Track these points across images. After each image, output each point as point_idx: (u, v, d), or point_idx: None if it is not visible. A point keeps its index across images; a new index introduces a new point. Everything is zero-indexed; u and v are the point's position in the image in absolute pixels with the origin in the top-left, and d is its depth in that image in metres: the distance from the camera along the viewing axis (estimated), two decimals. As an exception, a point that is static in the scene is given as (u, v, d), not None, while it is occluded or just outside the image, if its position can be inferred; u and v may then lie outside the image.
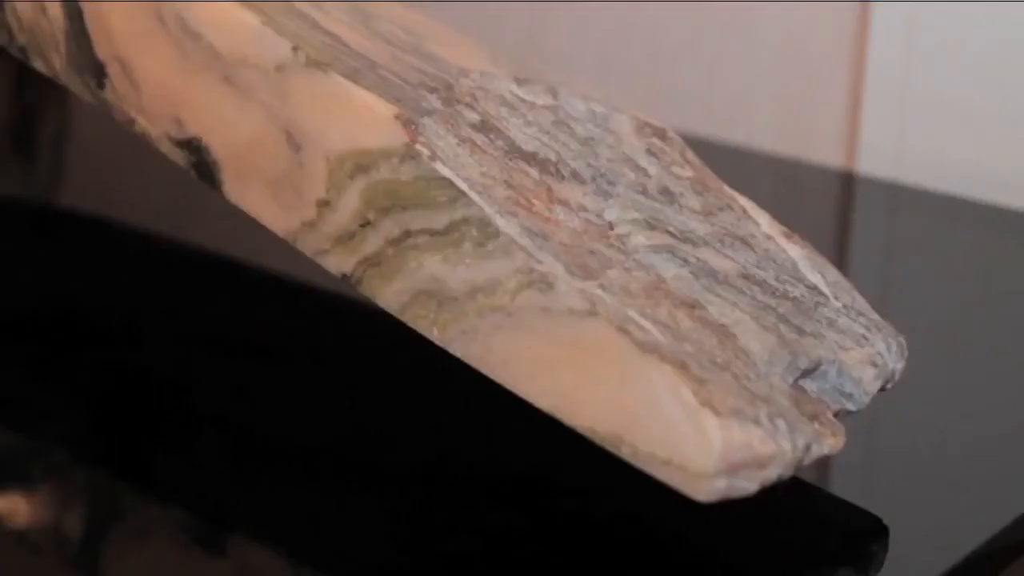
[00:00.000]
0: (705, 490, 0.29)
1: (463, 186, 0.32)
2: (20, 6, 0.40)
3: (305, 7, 0.37)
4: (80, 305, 0.42)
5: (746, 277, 0.34)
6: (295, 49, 0.34)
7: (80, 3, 0.38)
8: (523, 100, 0.36)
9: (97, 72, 0.38)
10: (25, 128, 0.56)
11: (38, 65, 0.40)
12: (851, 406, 0.33)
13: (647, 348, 0.30)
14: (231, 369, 0.39)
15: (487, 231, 0.32)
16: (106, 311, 0.42)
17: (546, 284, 0.31)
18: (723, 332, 0.32)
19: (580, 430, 0.30)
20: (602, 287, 0.31)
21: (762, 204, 0.37)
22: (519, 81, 0.36)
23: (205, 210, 0.47)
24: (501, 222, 0.32)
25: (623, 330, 0.30)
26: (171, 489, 0.35)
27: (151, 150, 0.38)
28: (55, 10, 0.39)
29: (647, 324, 0.30)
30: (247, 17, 0.35)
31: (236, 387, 0.38)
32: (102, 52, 0.38)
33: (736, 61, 0.62)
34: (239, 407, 0.38)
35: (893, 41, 0.58)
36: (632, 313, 0.31)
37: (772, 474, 0.30)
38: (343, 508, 0.34)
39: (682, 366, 0.30)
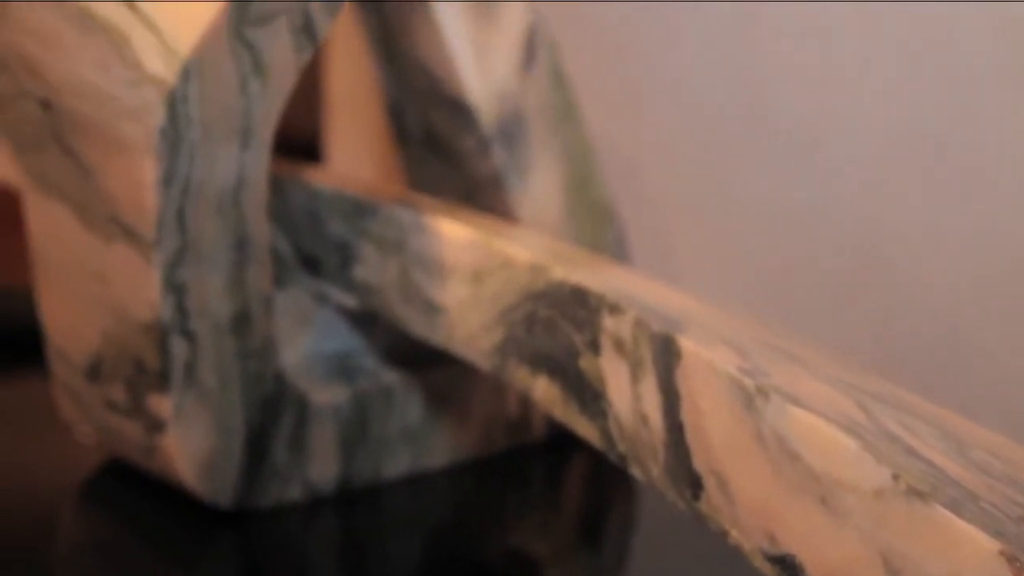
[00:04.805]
0: None
1: (1072, 628, 0.32)
2: (624, 418, 0.43)
3: (898, 431, 0.38)
4: None
5: None
6: (895, 477, 0.35)
7: (682, 418, 0.41)
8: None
9: (693, 484, 0.40)
10: (593, 519, 0.58)
11: (635, 472, 0.43)
12: None
13: None
14: None
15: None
16: None
17: None
18: None
19: None
20: None
21: None
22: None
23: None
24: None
25: None
26: None
27: (708, 538, 0.39)
28: (656, 424, 0.41)
29: None
30: (848, 441, 0.36)
31: None
32: (700, 465, 0.40)
33: None
34: None
35: None
36: None
37: None
38: None
39: None
